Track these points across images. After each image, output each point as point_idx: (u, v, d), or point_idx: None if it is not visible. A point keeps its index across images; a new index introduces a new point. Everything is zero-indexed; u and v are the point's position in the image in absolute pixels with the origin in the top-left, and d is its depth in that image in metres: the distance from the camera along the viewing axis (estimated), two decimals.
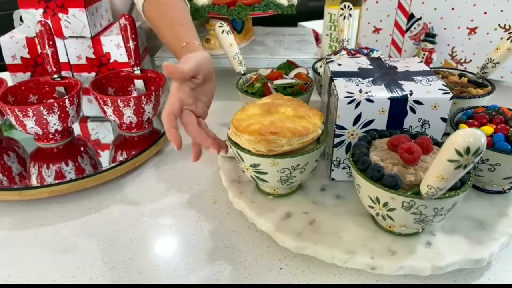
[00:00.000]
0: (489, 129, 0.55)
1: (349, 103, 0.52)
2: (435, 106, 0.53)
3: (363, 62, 0.63)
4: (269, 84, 0.67)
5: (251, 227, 0.56)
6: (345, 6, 0.76)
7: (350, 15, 0.76)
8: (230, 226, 0.57)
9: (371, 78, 0.57)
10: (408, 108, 0.53)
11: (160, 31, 0.74)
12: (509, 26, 0.89)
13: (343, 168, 0.58)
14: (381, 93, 0.52)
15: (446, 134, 0.48)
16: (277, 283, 0.48)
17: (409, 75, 0.58)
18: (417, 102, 0.52)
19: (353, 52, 0.71)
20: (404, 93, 0.52)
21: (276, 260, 0.51)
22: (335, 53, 0.73)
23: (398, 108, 0.53)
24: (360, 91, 0.53)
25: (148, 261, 0.52)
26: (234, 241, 0.54)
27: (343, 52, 0.71)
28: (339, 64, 0.61)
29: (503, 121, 0.57)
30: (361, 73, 0.58)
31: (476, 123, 0.57)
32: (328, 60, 0.63)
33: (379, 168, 0.46)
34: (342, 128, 0.54)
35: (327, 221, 0.52)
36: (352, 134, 0.55)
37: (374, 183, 0.45)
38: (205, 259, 0.52)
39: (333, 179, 0.60)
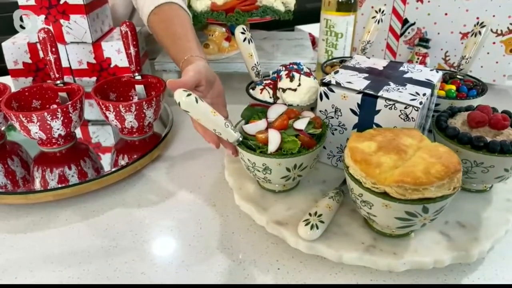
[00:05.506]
0: (453, 86, 0.70)
1: (419, 109, 0.53)
2: (437, 82, 0.62)
3: (355, 73, 0.61)
4: (304, 132, 0.56)
5: (249, 228, 0.58)
6: (243, 29, 0.69)
7: (251, 37, 0.70)
8: (229, 227, 0.59)
9: (390, 82, 0.58)
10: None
11: (164, 45, 0.78)
12: (501, 30, 0.92)
13: None
14: (421, 89, 0.57)
15: None
16: (275, 283, 0.50)
17: (395, 69, 0.63)
18: (434, 85, 0.60)
19: (298, 71, 0.67)
20: (427, 81, 0.59)
21: (274, 260, 0.53)
22: (289, 75, 0.66)
23: (431, 94, 0.58)
24: (415, 94, 0.55)
25: (150, 262, 0.54)
26: (234, 242, 0.56)
27: (296, 73, 0.66)
28: (350, 82, 0.58)
29: (444, 80, 0.72)
30: (379, 82, 0.58)
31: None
32: (334, 82, 0.59)
33: (504, 142, 0.52)
34: None
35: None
36: None
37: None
38: (206, 260, 0.54)
39: None
